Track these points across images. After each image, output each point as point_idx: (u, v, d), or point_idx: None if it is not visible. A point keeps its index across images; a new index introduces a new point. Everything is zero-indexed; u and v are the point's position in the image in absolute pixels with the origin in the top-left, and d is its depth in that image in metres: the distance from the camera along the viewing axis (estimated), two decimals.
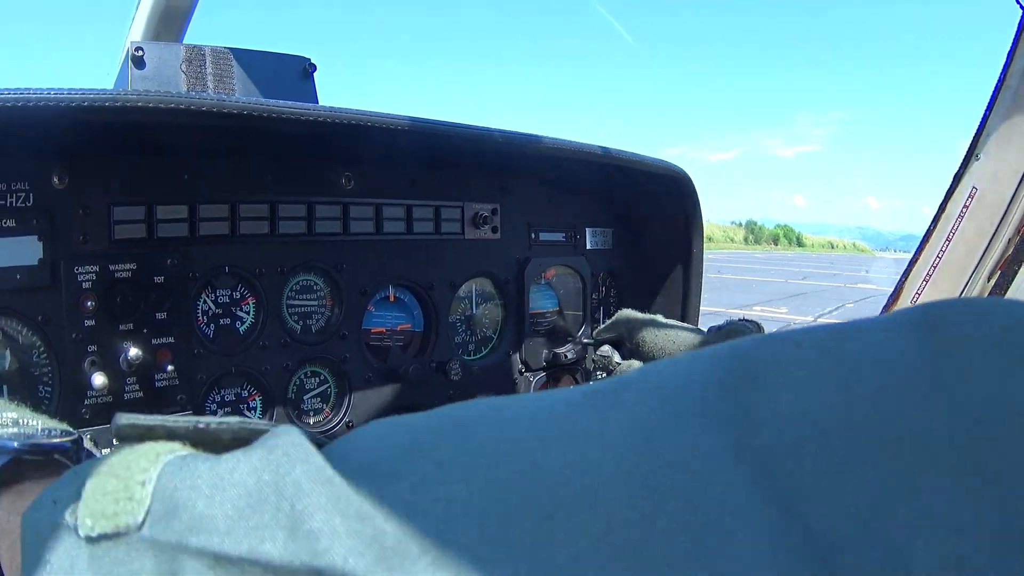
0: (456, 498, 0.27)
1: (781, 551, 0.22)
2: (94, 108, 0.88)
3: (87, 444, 0.55)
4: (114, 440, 0.38)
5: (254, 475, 0.30)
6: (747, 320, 1.15)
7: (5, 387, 0.98)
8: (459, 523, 0.26)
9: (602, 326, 1.42)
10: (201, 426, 0.37)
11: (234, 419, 0.37)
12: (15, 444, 0.48)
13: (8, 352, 0.98)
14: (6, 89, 0.81)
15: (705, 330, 1.21)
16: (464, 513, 0.27)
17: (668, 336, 1.25)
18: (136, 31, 1.57)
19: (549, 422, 0.29)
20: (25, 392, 0.98)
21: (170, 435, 0.37)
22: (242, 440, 0.36)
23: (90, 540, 0.33)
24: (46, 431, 0.53)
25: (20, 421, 0.54)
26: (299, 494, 0.29)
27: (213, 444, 0.37)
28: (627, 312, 1.37)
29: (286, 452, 0.31)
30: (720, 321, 1.20)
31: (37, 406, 0.98)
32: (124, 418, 0.37)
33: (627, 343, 1.33)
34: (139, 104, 0.91)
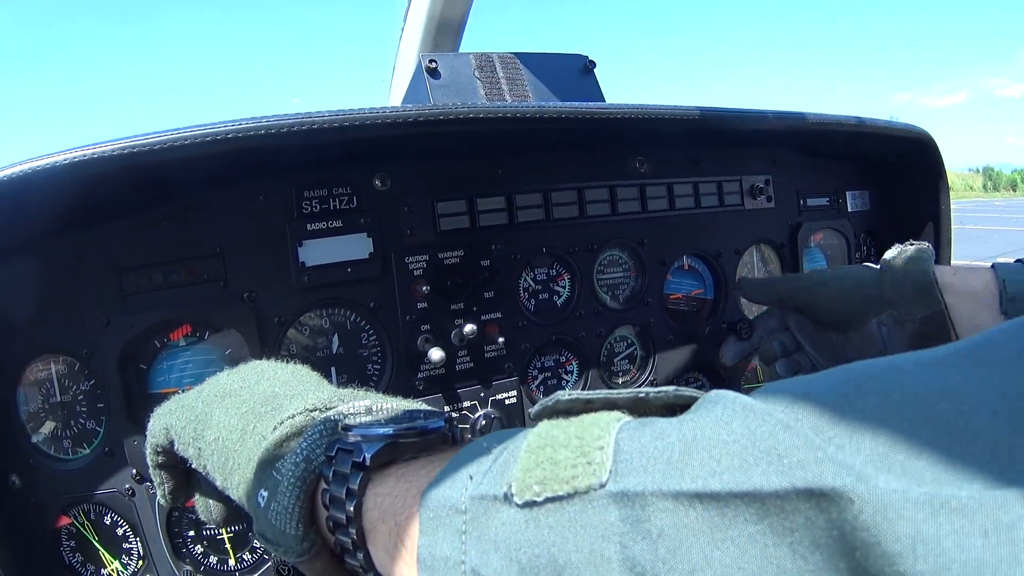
0: (914, 420, 0.29)
1: None
2: (449, 121, 1.01)
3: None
4: (535, 417, 0.42)
5: (724, 428, 0.33)
6: None
7: (334, 368, 1.09)
8: (918, 431, 0.29)
9: None
10: (642, 396, 0.40)
11: (669, 388, 0.40)
12: (391, 430, 0.50)
13: (336, 337, 1.10)
14: (351, 110, 0.94)
15: None
16: (925, 421, 0.29)
17: None
18: (410, 43, 1.69)
19: (945, 377, 0.31)
20: (353, 372, 1.11)
21: (609, 406, 0.40)
22: (670, 406, 0.40)
23: (532, 505, 0.36)
24: (409, 413, 0.56)
25: (372, 408, 0.58)
26: (775, 437, 0.31)
27: (645, 410, 0.40)
28: None
29: (744, 407, 0.33)
30: None
31: (366, 382, 1.11)
32: (565, 394, 0.40)
33: None
34: (489, 115, 1.04)
